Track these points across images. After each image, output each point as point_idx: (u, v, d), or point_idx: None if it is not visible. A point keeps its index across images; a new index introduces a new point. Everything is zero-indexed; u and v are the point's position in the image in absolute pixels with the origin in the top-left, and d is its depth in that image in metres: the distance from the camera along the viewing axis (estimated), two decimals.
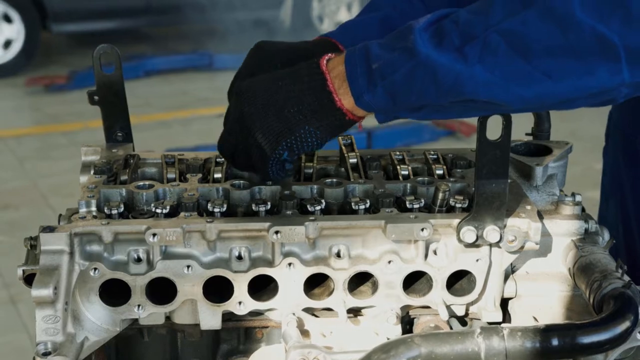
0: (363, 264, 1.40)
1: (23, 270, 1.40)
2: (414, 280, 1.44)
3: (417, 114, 1.34)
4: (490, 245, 1.39)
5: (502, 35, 1.18)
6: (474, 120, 1.33)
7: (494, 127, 1.31)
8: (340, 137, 1.64)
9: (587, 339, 1.23)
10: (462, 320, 1.49)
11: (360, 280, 1.43)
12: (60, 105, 7.96)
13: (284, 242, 1.38)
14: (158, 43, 10.47)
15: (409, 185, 1.52)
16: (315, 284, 1.43)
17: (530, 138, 1.73)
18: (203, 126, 7.45)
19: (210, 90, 8.63)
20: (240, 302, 1.39)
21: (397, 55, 1.28)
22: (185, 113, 7.87)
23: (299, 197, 1.47)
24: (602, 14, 1.13)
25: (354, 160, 1.60)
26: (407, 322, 1.49)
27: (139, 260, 1.38)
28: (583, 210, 1.55)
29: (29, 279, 1.37)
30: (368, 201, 1.45)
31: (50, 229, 1.34)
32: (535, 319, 1.45)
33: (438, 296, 1.42)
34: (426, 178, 1.54)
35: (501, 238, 1.37)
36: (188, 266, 1.37)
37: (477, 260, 1.40)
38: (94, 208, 1.43)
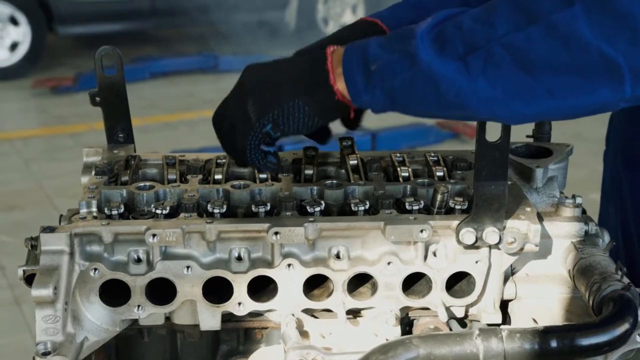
0: (362, 265, 1.40)
1: (23, 271, 1.40)
2: (414, 282, 1.44)
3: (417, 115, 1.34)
4: (490, 246, 1.39)
5: (507, 48, 1.17)
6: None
7: (493, 129, 1.31)
8: (340, 139, 1.64)
9: (586, 341, 1.23)
10: (462, 322, 1.49)
11: (359, 282, 1.43)
12: (66, 107, 7.98)
13: (283, 243, 1.39)
14: (164, 45, 10.49)
15: (408, 186, 1.52)
16: (315, 285, 1.43)
17: (530, 140, 1.73)
18: (209, 128, 7.41)
19: (215, 92, 8.61)
20: (239, 303, 1.39)
21: (397, 58, 1.26)
22: (191, 115, 7.88)
23: (298, 199, 1.47)
24: (609, 35, 1.11)
25: (354, 162, 1.60)
26: (406, 324, 1.49)
27: (138, 260, 1.38)
28: (584, 212, 1.55)
29: (29, 279, 1.38)
30: (367, 202, 1.45)
31: (50, 229, 1.34)
32: (535, 321, 1.45)
33: (437, 298, 1.42)
34: (426, 180, 1.54)
35: (500, 240, 1.37)
36: (188, 267, 1.37)
37: (477, 262, 1.40)
38: (94, 209, 1.44)
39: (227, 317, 1.43)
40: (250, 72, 1.44)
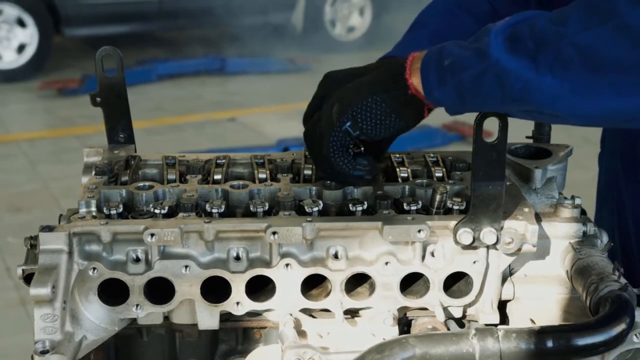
0: (360, 265, 1.40)
1: (22, 270, 1.41)
2: (412, 282, 1.44)
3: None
4: (487, 247, 1.39)
5: (576, 47, 1.19)
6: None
7: (493, 129, 1.32)
8: None
9: (582, 341, 1.23)
10: (460, 322, 1.49)
11: (357, 282, 1.43)
12: (73, 108, 8.01)
13: (281, 242, 1.39)
14: (170, 47, 10.51)
15: (407, 187, 1.52)
16: (313, 285, 1.43)
17: (530, 141, 1.73)
18: (216, 130, 7.48)
19: (222, 94, 8.67)
20: (237, 303, 1.40)
21: (469, 54, 1.30)
22: (197, 117, 7.90)
23: (297, 199, 1.48)
24: None
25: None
26: (404, 324, 1.49)
27: (137, 260, 1.39)
28: (584, 213, 1.55)
29: (28, 278, 1.38)
30: (366, 203, 1.45)
31: (49, 229, 1.35)
32: (533, 322, 1.45)
33: (435, 298, 1.42)
34: (425, 180, 1.55)
35: (498, 240, 1.37)
36: (186, 266, 1.37)
37: (474, 262, 1.40)
38: (93, 208, 1.44)
39: (226, 317, 1.43)
40: (331, 79, 1.53)
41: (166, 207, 1.43)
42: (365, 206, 1.44)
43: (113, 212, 1.42)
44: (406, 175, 1.57)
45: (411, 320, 1.49)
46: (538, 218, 1.45)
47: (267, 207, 1.44)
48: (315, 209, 1.43)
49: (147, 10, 9.56)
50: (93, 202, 1.45)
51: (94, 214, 1.43)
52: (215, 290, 1.40)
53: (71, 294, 1.36)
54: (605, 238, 1.51)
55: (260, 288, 1.42)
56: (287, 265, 1.39)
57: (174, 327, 1.48)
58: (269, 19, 10.01)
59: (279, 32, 10.01)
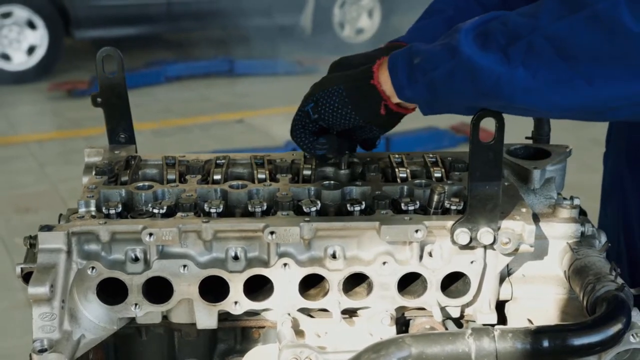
0: (358, 265, 1.41)
1: (21, 268, 1.42)
2: (409, 282, 1.44)
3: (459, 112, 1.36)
4: (485, 247, 1.39)
5: (548, 39, 1.19)
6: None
7: (492, 130, 1.32)
8: None
9: (578, 341, 1.23)
10: (458, 322, 1.49)
11: (355, 282, 1.44)
12: (82, 110, 8.01)
13: (279, 242, 1.39)
14: (179, 49, 10.53)
15: (405, 187, 1.53)
16: (311, 284, 1.44)
17: (529, 141, 1.73)
18: (223, 131, 7.49)
19: (230, 95, 8.68)
20: (236, 302, 1.40)
21: (438, 51, 1.31)
22: (205, 118, 7.90)
23: (295, 199, 1.48)
24: None
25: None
26: (402, 324, 1.49)
27: (136, 259, 1.39)
28: (584, 213, 1.55)
29: (27, 277, 1.39)
30: (364, 203, 1.45)
31: (48, 228, 1.36)
32: (531, 322, 1.45)
33: (432, 298, 1.42)
34: (423, 180, 1.55)
35: (495, 240, 1.37)
36: (184, 266, 1.38)
37: (472, 262, 1.41)
38: (93, 208, 1.45)
39: (224, 316, 1.44)
40: (341, 65, 1.58)
41: (165, 207, 1.43)
42: (363, 206, 1.45)
43: (112, 211, 1.43)
44: (405, 175, 1.58)
45: (409, 320, 1.49)
46: (535, 218, 1.45)
47: (265, 207, 1.44)
48: (313, 209, 1.44)
49: (155, 12, 9.58)
50: (92, 202, 1.46)
51: (93, 213, 1.44)
52: (214, 289, 1.41)
53: (70, 293, 1.37)
54: (603, 238, 1.51)
55: (258, 288, 1.43)
56: (285, 265, 1.39)
57: (172, 327, 1.48)
58: (277, 20, 10.01)
59: (288, 33, 10.02)
